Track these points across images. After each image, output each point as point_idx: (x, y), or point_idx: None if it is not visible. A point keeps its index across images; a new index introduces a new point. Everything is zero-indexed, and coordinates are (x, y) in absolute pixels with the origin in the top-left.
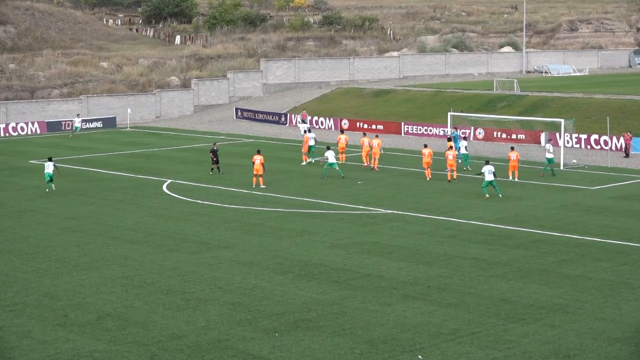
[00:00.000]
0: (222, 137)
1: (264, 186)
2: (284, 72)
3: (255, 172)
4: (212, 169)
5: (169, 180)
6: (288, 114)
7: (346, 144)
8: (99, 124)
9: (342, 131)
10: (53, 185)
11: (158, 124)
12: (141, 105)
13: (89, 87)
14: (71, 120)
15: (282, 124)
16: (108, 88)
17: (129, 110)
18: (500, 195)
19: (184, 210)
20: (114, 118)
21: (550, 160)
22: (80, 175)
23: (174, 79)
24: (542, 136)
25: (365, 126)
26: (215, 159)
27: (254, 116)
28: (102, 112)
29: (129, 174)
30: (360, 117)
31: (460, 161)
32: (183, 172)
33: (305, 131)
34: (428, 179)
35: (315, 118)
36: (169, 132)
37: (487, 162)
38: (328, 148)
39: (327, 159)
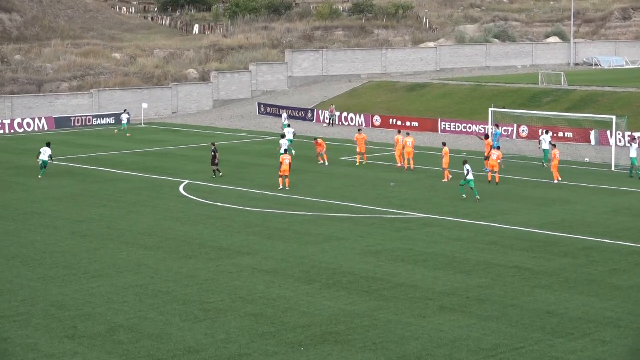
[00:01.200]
0: (244, 134)
1: (288, 188)
2: (310, 65)
3: (281, 173)
4: (214, 171)
5: (186, 181)
6: (315, 110)
7: (364, 143)
8: (110, 120)
9: (359, 130)
10: (42, 174)
11: (175, 120)
12: (156, 99)
13: (100, 80)
14: (81, 116)
15: (309, 120)
16: (121, 81)
17: (144, 106)
18: (477, 198)
19: (203, 213)
20: (127, 113)
21: (633, 161)
22: (91, 175)
23: (192, 72)
24: (592, 134)
25: (399, 123)
26: (215, 160)
27: (279, 112)
28: (115, 107)
29: (143, 174)
30: (393, 113)
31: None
32: (201, 173)
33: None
34: (446, 180)
35: (345, 114)
36: (186, 129)
37: (465, 162)
38: (282, 137)
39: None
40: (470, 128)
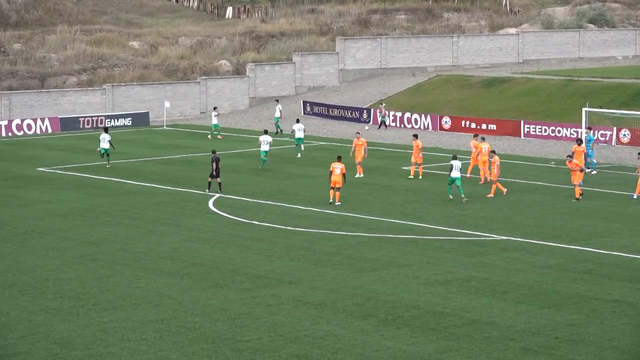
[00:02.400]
0: (286, 138)
1: (339, 203)
2: (366, 55)
3: (332, 184)
4: (209, 183)
5: (217, 195)
6: (372, 110)
7: (420, 151)
8: (127, 121)
9: (415, 136)
10: (108, 161)
11: (203, 122)
12: (182, 97)
13: (114, 73)
14: (92, 117)
15: (364, 122)
16: (139, 75)
17: (166, 104)
18: (463, 197)
19: (236, 233)
20: (146, 114)
21: None
22: (103, 187)
23: (225, 64)
24: None
25: (473, 125)
26: (216, 171)
27: (328, 112)
28: (132, 105)
29: (166, 186)
30: (466, 113)
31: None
32: (235, 185)
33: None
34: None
35: (407, 115)
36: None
37: (454, 157)
38: (266, 132)
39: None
40: (559, 132)
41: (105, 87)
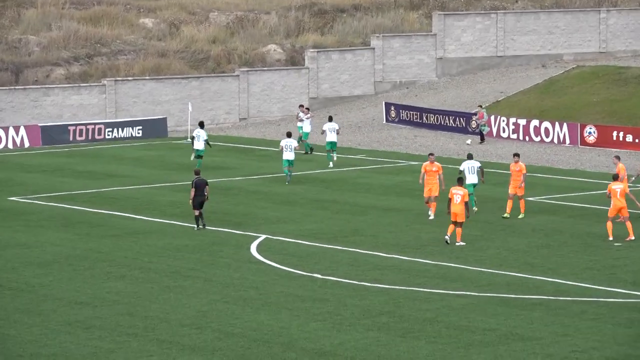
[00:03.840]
0: (362, 156)
1: (462, 243)
2: (475, 38)
3: (453, 218)
4: (197, 217)
5: (263, 236)
6: (487, 116)
7: (522, 179)
8: (135, 131)
9: (517, 155)
10: (199, 165)
11: (244, 132)
12: (213, 97)
13: (118, 63)
14: (86, 125)
15: (472, 132)
16: (153, 66)
17: (190, 108)
18: (475, 209)
19: (290, 291)
20: (163, 121)
21: None
22: (102, 224)
23: (274, 50)
24: None
25: (629, 138)
26: (196, 202)
27: (421, 118)
28: (143, 109)
29: (190, 223)
30: (619, 120)
31: None
32: (288, 221)
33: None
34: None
35: (535, 123)
36: (263, 147)
37: (469, 157)
38: (289, 135)
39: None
40: None
41: (106, 82)
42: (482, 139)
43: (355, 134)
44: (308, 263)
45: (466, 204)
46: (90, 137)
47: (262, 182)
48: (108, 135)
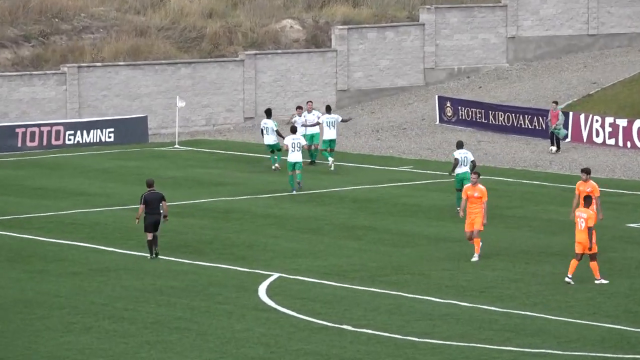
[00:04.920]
0: (408, 167)
1: (603, 281)
2: (559, 11)
3: (579, 249)
4: (150, 247)
5: (275, 275)
6: (570, 114)
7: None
8: (106, 135)
9: (586, 172)
10: (277, 163)
11: (249, 136)
12: (209, 89)
13: (83, 44)
14: (39, 126)
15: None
16: (130, 47)
17: (180, 103)
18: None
19: (311, 349)
20: (142, 121)
21: None
22: (60, 258)
23: (291, 26)
24: None
25: None
26: (152, 217)
27: (487, 118)
28: (115, 105)
29: (177, 257)
30: None
31: None
32: (309, 254)
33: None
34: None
35: (639, 124)
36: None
37: (459, 144)
38: (294, 130)
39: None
40: None
41: (66, 70)
42: (558, 147)
43: (398, 138)
44: (335, 310)
45: (589, 230)
46: (45, 143)
47: (273, 203)
48: (69, 140)
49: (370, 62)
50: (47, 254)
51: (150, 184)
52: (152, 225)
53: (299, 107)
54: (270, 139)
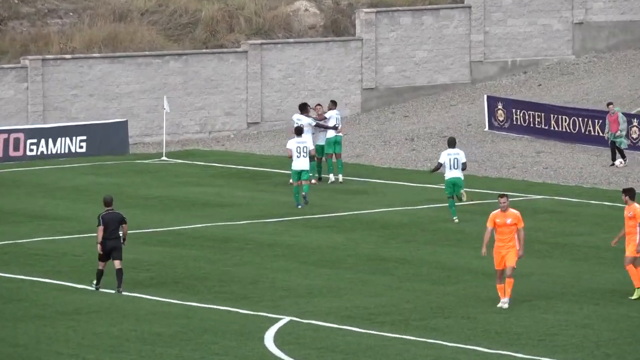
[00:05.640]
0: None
1: None
2: None
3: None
4: (100, 272)
5: (285, 319)
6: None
7: None
8: (76, 144)
9: None
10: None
11: (254, 145)
12: (205, 87)
13: (48, 31)
14: (12, 133)
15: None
16: (107, 36)
17: (166, 107)
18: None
19: None
20: (122, 125)
21: None
22: (18, 298)
23: (305, 9)
24: None
25: None
26: (110, 243)
27: (547, 123)
28: (88, 106)
29: (165, 297)
30: None
31: None
32: (327, 293)
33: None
34: None
35: None
36: (286, 171)
37: (451, 143)
38: (299, 132)
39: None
40: None
41: (28, 63)
42: (623, 157)
43: (438, 148)
44: None
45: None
46: (1, 154)
47: (283, 229)
48: (31, 150)
49: (403, 54)
50: (3, 293)
51: (108, 202)
52: (109, 252)
53: (319, 105)
54: (303, 163)
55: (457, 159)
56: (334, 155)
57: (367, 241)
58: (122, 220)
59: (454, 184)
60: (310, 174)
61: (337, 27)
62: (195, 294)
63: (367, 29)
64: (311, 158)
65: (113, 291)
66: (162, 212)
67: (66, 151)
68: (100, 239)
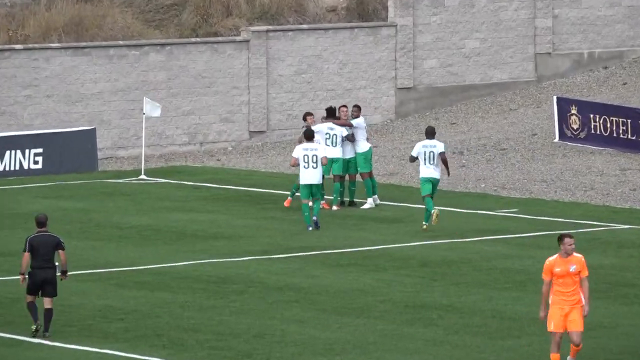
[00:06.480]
0: (509, 211)
1: None
2: None
3: None
4: (31, 304)
5: None
6: None
7: None
8: (30, 159)
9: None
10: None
11: (258, 160)
12: (195, 87)
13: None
14: None
15: None
16: (70, 20)
17: (149, 109)
18: (424, 225)
19: None
20: (90, 134)
21: None
22: None
23: None
24: None
25: None
26: (40, 273)
27: (633, 133)
28: (47, 110)
29: (145, 354)
30: None
31: None
32: (351, 349)
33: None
34: None
35: None
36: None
37: (429, 132)
38: (309, 136)
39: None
40: None
41: None
42: None
43: (494, 164)
44: None
45: None
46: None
47: (296, 267)
48: None
49: (449, 44)
50: None
51: (41, 222)
52: (39, 284)
53: (344, 107)
54: (335, 151)
55: (433, 152)
56: (364, 174)
57: (403, 283)
58: (58, 245)
59: (432, 182)
60: (332, 196)
61: (365, 10)
62: (183, 351)
63: (402, 12)
64: (326, 172)
65: (78, 347)
66: (141, 246)
67: (17, 168)
68: (23, 268)
